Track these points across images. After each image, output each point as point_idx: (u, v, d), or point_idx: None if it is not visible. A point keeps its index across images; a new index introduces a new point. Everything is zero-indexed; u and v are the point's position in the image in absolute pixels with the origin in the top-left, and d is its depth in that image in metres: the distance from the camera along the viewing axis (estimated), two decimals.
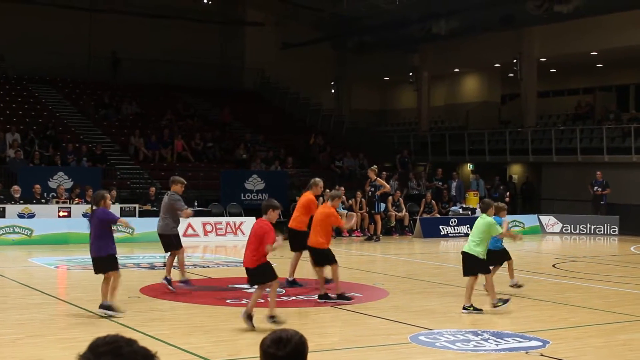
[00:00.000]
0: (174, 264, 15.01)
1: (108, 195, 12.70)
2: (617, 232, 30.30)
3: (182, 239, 24.88)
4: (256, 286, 11.46)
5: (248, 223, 27.10)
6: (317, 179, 15.91)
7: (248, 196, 30.71)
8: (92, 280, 16.49)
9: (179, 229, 15.13)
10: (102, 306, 12.04)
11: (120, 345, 2.67)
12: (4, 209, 24.09)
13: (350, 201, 29.13)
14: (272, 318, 11.19)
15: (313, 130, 38.73)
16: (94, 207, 12.33)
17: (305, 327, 10.75)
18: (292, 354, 3.40)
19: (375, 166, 28.19)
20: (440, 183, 33.75)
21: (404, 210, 29.96)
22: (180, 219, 15.08)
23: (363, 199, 29.18)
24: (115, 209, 25.47)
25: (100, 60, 38.63)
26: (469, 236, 13.54)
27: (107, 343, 2.67)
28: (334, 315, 12.82)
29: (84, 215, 25.24)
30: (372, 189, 27.69)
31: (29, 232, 23.61)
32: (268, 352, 3.42)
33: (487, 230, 13.08)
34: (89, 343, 2.73)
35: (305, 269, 15.92)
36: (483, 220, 13.21)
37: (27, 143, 30.45)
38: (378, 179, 27.24)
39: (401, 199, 29.97)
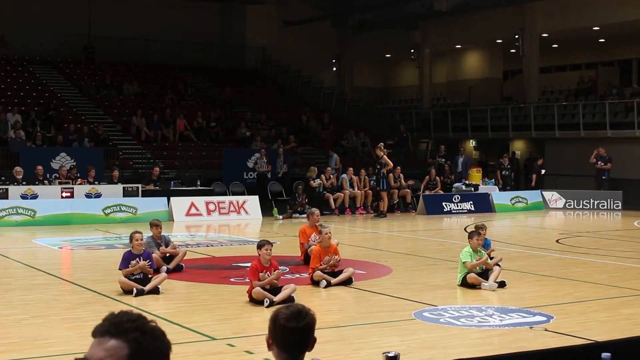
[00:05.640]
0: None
1: (135, 235, 12.58)
2: (620, 207, 30.26)
3: (186, 218, 25.21)
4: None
5: (251, 202, 27.13)
6: (313, 209, 16.19)
7: (251, 175, 30.70)
8: (96, 261, 16.57)
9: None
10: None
11: (145, 322, 2.67)
12: (6, 190, 24.08)
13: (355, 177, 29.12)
14: None
15: (314, 108, 38.70)
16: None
17: (309, 304, 10.77)
18: (309, 325, 3.78)
19: (382, 143, 28.19)
20: (443, 160, 33.67)
21: (403, 182, 29.78)
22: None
23: (366, 177, 29.19)
24: (118, 189, 25.67)
25: (100, 40, 38.49)
26: None
27: (132, 320, 2.66)
28: (337, 292, 12.82)
29: (87, 196, 25.32)
30: (378, 167, 27.72)
31: (32, 213, 23.61)
32: (287, 325, 3.74)
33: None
34: (100, 320, 2.69)
35: None
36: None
37: (29, 124, 30.43)
38: (384, 156, 27.28)
39: (401, 175, 29.88)
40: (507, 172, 32.12)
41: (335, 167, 30.29)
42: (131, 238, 12.55)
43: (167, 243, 14.85)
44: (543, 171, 33.44)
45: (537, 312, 10.94)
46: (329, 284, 12.98)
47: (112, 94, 35.86)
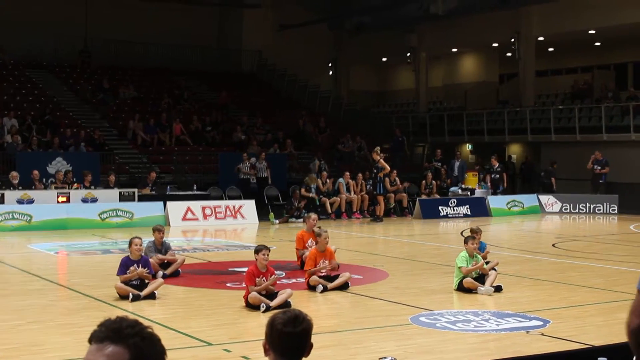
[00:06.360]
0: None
1: (135, 240, 12.52)
2: (616, 211, 30.27)
3: (182, 223, 25.19)
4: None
5: (247, 206, 27.11)
6: (310, 213, 16.16)
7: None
8: (92, 266, 16.56)
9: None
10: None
11: (143, 328, 2.67)
12: (2, 195, 24.03)
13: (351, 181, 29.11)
14: None
15: (310, 112, 38.69)
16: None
17: (306, 309, 10.75)
18: (305, 330, 3.81)
19: (378, 147, 28.19)
20: (439, 164, 33.65)
21: (398, 184, 29.71)
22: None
23: (363, 181, 29.20)
24: (114, 194, 25.64)
25: (97, 44, 38.46)
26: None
27: (131, 326, 2.65)
28: (334, 297, 12.82)
29: (83, 201, 25.30)
30: (375, 171, 27.75)
31: (28, 218, 23.58)
32: (285, 330, 3.76)
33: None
34: (95, 326, 2.67)
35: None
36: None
37: (25, 129, 30.39)
38: (381, 160, 27.31)
39: (397, 179, 29.82)
40: (496, 176, 31.76)
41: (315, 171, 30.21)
42: (130, 243, 12.53)
43: (167, 249, 14.83)
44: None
45: (533, 316, 10.94)
46: (325, 289, 12.98)
47: (108, 98, 35.82)
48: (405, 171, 32.91)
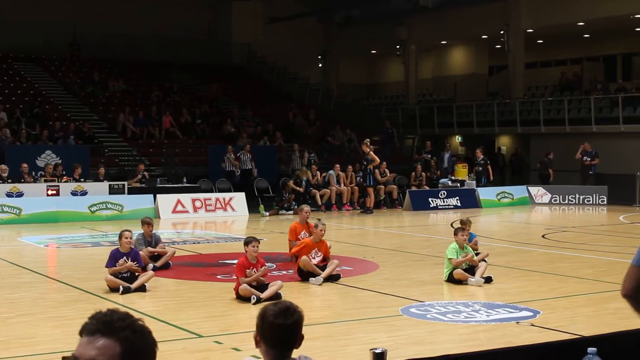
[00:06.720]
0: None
1: (125, 233, 12.50)
2: (605, 202, 30.38)
3: (172, 216, 25.18)
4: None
5: (237, 199, 27.09)
6: (303, 205, 15.95)
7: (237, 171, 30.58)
8: (82, 258, 16.53)
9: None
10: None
11: (134, 321, 2.66)
12: None
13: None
14: None
15: (300, 105, 38.67)
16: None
17: (296, 301, 10.75)
18: (297, 322, 3.82)
19: (368, 139, 28.21)
20: (429, 156, 33.64)
21: (388, 175, 29.71)
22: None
23: (353, 173, 29.22)
24: (104, 187, 25.60)
25: (86, 37, 38.32)
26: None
27: (122, 319, 2.64)
28: (324, 288, 12.83)
29: (73, 194, 25.24)
30: (365, 163, 27.78)
31: (18, 211, 23.52)
32: (276, 322, 3.77)
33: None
34: (86, 319, 2.66)
35: None
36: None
37: (14, 122, 30.28)
38: (371, 152, 27.33)
39: (387, 170, 29.83)
40: (480, 168, 31.66)
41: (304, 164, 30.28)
42: (120, 236, 12.52)
43: (157, 241, 14.82)
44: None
45: (523, 307, 10.97)
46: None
47: (98, 91, 35.72)
48: (395, 163, 32.90)
